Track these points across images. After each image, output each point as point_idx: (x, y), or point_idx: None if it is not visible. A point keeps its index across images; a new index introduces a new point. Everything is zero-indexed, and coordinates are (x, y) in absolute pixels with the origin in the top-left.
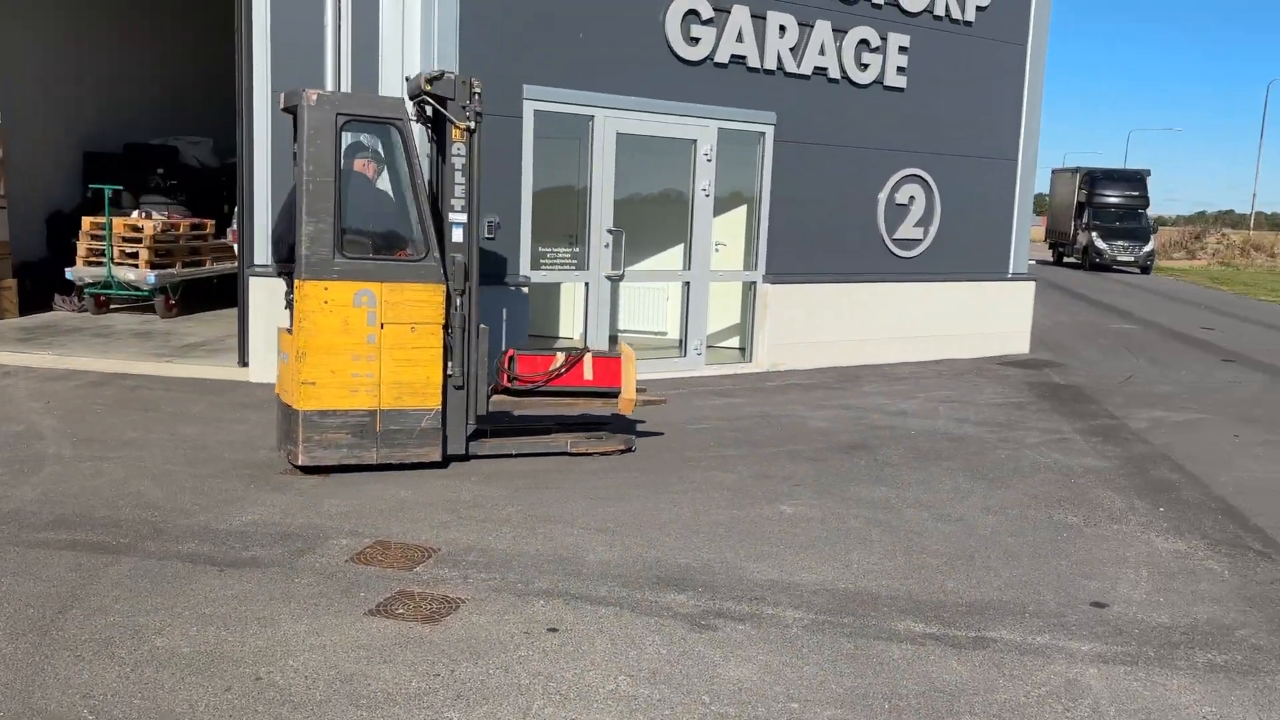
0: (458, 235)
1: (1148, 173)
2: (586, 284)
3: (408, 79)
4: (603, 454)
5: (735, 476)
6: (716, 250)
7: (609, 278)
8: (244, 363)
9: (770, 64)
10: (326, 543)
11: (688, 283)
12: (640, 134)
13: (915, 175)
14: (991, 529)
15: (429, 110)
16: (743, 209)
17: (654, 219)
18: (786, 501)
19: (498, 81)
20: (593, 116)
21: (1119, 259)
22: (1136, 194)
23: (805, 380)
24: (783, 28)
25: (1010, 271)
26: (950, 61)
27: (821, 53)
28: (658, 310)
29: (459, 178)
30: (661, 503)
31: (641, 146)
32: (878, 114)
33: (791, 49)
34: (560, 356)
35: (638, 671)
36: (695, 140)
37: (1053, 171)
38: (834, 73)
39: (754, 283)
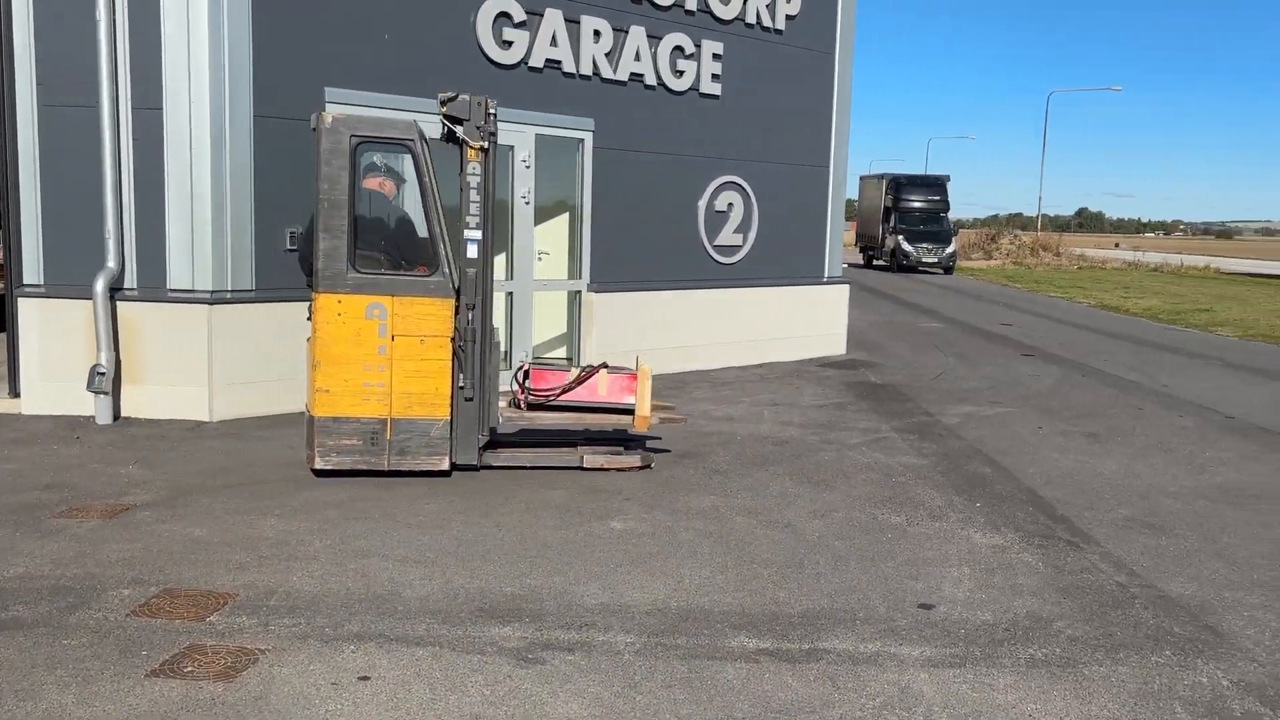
0: (472, 251)
1: (948, 178)
2: None
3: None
4: (619, 470)
5: (564, 493)
6: (540, 259)
7: None
8: (14, 393)
9: (586, 69)
10: (104, 595)
11: (511, 293)
12: None
13: (733, 182)
14: (819, 534)
15: (445, 129)
16: (565, 217)
17: None
18: (616, 517)
19: (296, 85)
20: None
21: (924, 261)
22: (938, 199)
23: None
24: (597, 33)
25: (826, 275)
26: (763, 69)
27: (637, 59)
28: None
29: (474, 195)
30: (486, 527)
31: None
32: (694, 121)
33: (607, 54)
34: (574, 371)
35: (459, 718)
36: (513, 146)
37: (861, 178)
38: (650, 79)
39: (579, 291)
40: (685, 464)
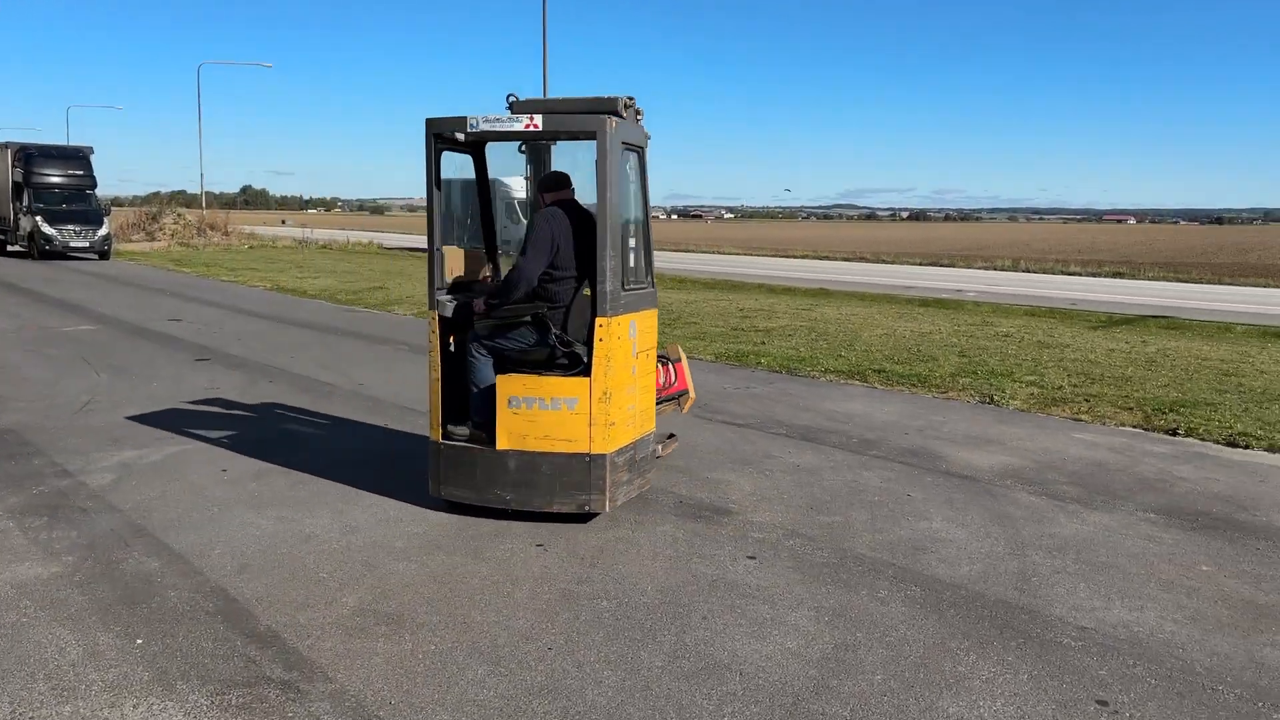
0: (631, 260)
1: (91, 150)
2: None
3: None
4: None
5: None
6: None
7: None
8: None
9: None
10: None
11: None
12: None
13: None
14: None
15: None
16: None
17: None
18: None
19: None
20: None
21: (72, 245)
22: (82, 173)
23: None
24: None
25: None
26: None
27: None
28: None
29: None
30: None
31: None
32: None
33: None
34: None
35: None
36: None
37: None
38: None
39: None
40: None
